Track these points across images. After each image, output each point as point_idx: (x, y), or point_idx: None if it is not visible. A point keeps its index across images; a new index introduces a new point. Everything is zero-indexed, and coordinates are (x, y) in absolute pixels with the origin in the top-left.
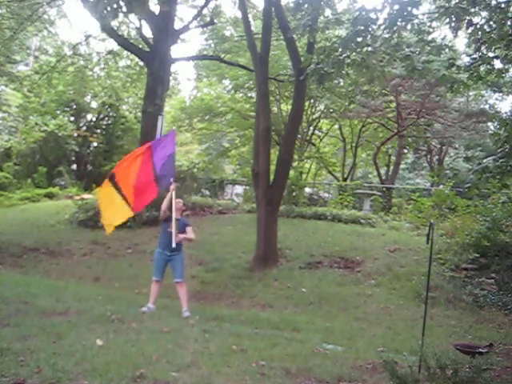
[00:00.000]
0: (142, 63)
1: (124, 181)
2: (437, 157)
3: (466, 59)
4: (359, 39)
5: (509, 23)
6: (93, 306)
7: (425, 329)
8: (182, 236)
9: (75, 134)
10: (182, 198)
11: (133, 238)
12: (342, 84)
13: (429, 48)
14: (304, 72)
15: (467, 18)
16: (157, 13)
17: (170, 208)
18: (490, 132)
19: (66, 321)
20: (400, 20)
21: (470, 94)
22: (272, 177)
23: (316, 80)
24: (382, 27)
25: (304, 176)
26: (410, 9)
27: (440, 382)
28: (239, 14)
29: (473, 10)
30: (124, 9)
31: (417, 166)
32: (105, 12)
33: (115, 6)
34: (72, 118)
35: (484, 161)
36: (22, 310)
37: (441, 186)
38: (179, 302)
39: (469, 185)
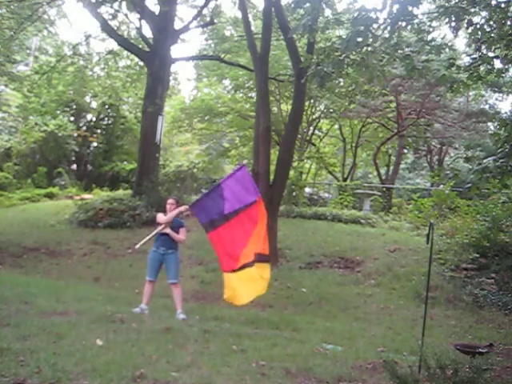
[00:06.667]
0: (142, 63)
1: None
2: (437, 157)
3: (466, 59)
4: (359, 39)
5: (509, 23)
6: (93, 306)
7: (425, 329)
8: (169, 230)
9: (75, 134)
10: (181, 198)
11: (133, 238)
12: (342, 84)
13: (428, 48)
14: (304, 73)
15: (467, 17)
16: (157, 13)
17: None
18: (490, 132)
19: (65, 321)
20: (401, 19)
21: (470, 94)
22: (272, 177)
23: (317, 82)
24: (382, 27)
25: (304, 176)
26: (410, 8)
27: (440, 382)
28: (239, 14)
29: (473, 9)
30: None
31: (417, 165)
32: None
33: None
34: (72, 118)
35: (484, 161)
36: (22, 310)
37: (441, 186)
38: (173, 303)
39: (469, 185)
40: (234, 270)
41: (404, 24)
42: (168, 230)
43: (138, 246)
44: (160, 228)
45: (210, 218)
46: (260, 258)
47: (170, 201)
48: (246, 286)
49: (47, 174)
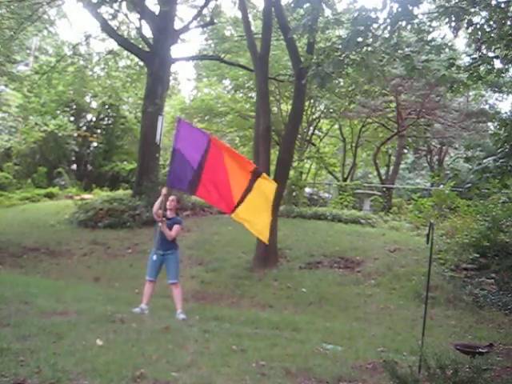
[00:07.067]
0: (142, 63)
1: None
2: (437, 157)
3: (466, 59)
4: (360, 39)
5: (509, 23)
6: (93, 306)
7: (425, 329)
8: (163, 227)
9: (75, 134)
10: (182, 198)
11: (133, 238)
12: (342, 84)
13: (428, 48)
14: (304, 73)
15: (467, 17)
16: (157, 13)
17: (162, 208)
18: (490, 132)
19: (65, 321)
20: (401, 19)
21: (470, 94)
22: (272, 177)
23: (317, 82)
24: (382, 27)
25: (304, 176)
26: (410, 8)
27: (440, 382)
28: (239, 14)
29: (473, 9)
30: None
31: (417, 165)
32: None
33: None
34: (72, 118)
35: (484, 161)
36: (22, 310)
37: (441, 186)
38: (173, 303)
39: (469, 185)
40: (236, 206)
41: (404, 24)
42: (163, 227)
43: (155, 258)
44: (158, 222)
45: (187, 181)
46: (253, 179)
47: (172, 197)
48: (255, 211)
49: (47, 173)
